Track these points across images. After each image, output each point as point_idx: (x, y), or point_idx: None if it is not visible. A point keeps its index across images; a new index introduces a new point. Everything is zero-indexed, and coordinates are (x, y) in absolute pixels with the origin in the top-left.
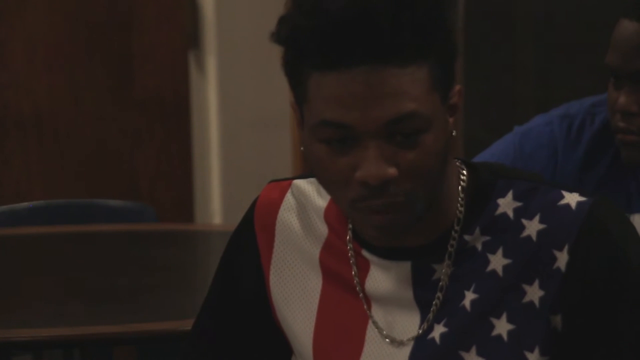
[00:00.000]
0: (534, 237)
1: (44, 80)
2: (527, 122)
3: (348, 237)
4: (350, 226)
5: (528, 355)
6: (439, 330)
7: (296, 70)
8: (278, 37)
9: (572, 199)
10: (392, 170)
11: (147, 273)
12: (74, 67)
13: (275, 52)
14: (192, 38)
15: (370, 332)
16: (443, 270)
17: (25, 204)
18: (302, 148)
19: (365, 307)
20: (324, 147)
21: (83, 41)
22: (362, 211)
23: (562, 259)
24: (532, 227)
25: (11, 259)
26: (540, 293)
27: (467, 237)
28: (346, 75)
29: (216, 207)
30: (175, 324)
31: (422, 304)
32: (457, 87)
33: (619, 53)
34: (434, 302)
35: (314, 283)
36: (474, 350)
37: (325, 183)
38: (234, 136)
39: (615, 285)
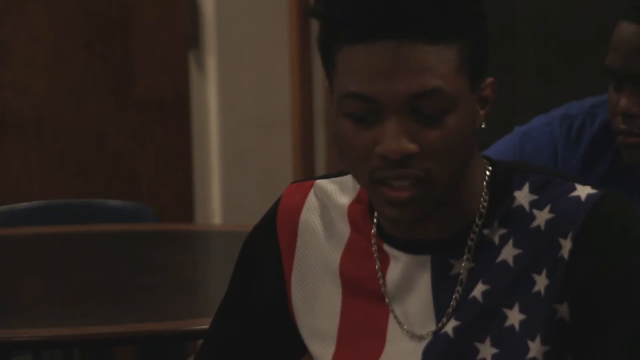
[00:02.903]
0: (542, 227)
1: (44, 80)
2: (527, 122)
3: (373, 232)
4: (374, 221)
5: (530, 344)
6: (451, 324)
7: (327, 45)
8: (314, 11)
9: (583, 191)
10: (412, 146)
11: (147, 273)
12: (74, 67)
13: (276, 52)
14: (192, 38)
15: (392, 327)
16: (463, 265)
17: (25, 204)
18: (332, 132)
19: (386, 302)
20: (348, 122)
21: (83, 41)
22: (380, 184)
23: (566, 246)
24: (542, 216)
25: (11, 259)
26: (546, 282)
27: (486, 231)
28: (374, 48)
29: (216, 207)
30: (175, 324)
31: (441, 298)
32: (490, 79)
33: (619, 55)
34: (453, 297)
35: (335, 292)
36: (488, 341)
37: (348, 158)
38: (234, 136)
39: (620, 275)
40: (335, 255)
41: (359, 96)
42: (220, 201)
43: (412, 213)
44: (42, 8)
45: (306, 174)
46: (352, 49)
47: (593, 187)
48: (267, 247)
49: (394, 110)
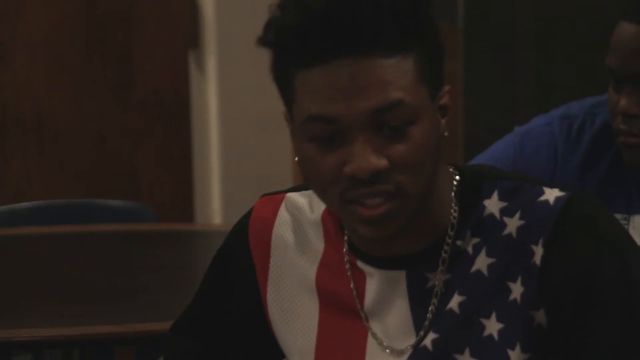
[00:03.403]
0: (514, 234)
1: (44, 80)
2: (527, 122)
3: (345, 249)
4: (345, 238)
5: (510, 353)
6: (430, 337)
7: (283, 72)
8: (264, 41)
9: (551, 194)
10: (382, 162)
11: (147, 273)
12: (74, 67)
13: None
14: (192, 38)
15: (371, 345)
16: (437, 277)
17: (25, 204)
18: (296, 159)
19: (364, 320)
20: (313, 146)
21: (83, 41)
22: (352, 203)
23: (538, 253)
24: (513, 224)
25: (11, 259)
26: (522, 289)
27: (459, 242)
28: (331, 68)
29: (216, 207)
30: None
31: (418, 312)
32: (447, 87)
33: (619, 55)
34: (429, 309)
35: (312, 307)
36: (467, 352)
37: (316, 183)
38: (234, 136)
39: (593, 277)
40: (310, 270)
41: (321, 118)
42: (220, 201)
43: (387, 229)
44: (41, 8)
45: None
46: (309, 73)
47: (561, 189)
48: (240, 263)
49: (359, 128)
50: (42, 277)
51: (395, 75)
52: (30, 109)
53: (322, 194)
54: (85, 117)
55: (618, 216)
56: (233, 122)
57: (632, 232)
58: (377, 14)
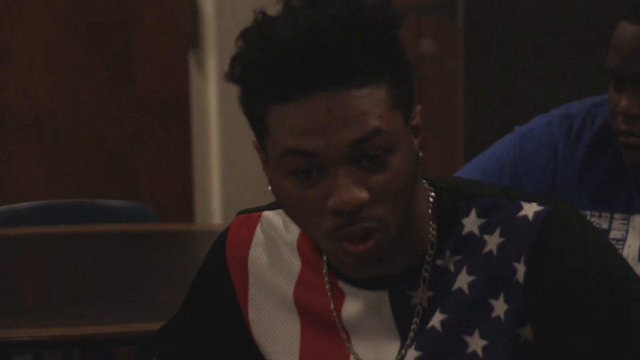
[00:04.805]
0: (494, 252)
1: (44, 80)
2: (527, 122)
3: (324, 270)
4: (324, 258)
5: None
6: (412, 355)
7: (254, 107)
8: (232, 76)
9: (529, 209)
10: (364, 194)
11: (147, 273)
12: (74, 67)
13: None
14: (192, 38)
15: None
16: (419, 295)
17: (25, 204)
18: (269, 188)
19: (345, 341)
20: (291, 181)
21: (83, 41)
22: (340, 240)
23: (520, 270)
24: (493, 241)
25: (11, 259)
26: (505, 307)
27: (439, 262)
28: (305, 103)
29: (216, 207)
30: None
31: (402, 331)
32: (418, 108)
33: (619, 55)
34: (411, 327)
35: (293, 325)
36: None
37: (298, 218)
38: (234, 136)
39: (576, 290)
40: (288, 288)
41: (298, 152)
42: (220, 201)
43: (373, 259)
44: (42, 8)
45: None
46: (282, 108)
47: (539, 203)
48: (220, 286)
49: (338, 161)
50: (42, 277)
51: (371, 104)
52: (30, 109)
53: (307, 227)
54: (85, 117)
55: (618, 216)
56: (233, 122)
57: (631, 232)
58: (348, 46)
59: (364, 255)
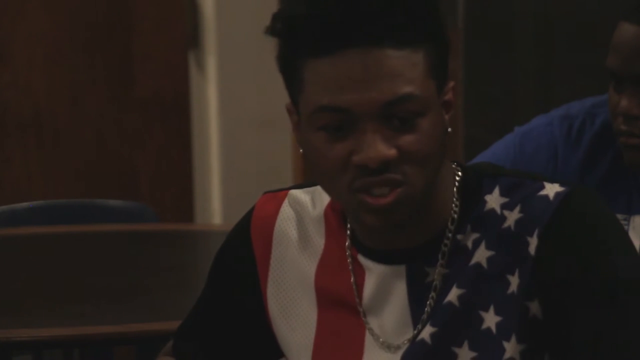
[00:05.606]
0: (512, 227)
1: (44, 80)
2: (527, 122)
3: (347, 243)
4: (348, 232)
5: (505, 345)
6: (428, 331)
7: (292, 62)
8: (273, 30)
9: (551, 189)
10: (391, 152)
11: (147, 273)
12: (74, 67)
13: (276, 52)
14: (192, 38)
15: (369, 341)
16: (437, 271)
17: (25, 204)
18: (300, 150)
19: (362, 315)
20: (321, 135)
21: (83, 41)
22: (361, 192)
23: (532, 243)
24: (512, 217)
25: (11, 259)
26: (518, 281)
27: (459, 237)
28: (342, 58)
29: (216, 207)
30: (175, 324)
31: (416, 306)
32: (452, 83)
33: (619, 56)
34: (428, 303)
35: (310, 303)
36: (466, 345)
37: (323, 173)
38: (234, 136)
39: (581, 273)
40: (310, 269)
41: (332, 109)
42: (220, 201)
43: (393, 219)
44: (41, 8)
45: (306, 174)
46: (319, 63)
47: (562, 184)
48: (242, 258)
49: (369, 118)
50: (42, 277)
51: (406, 67)
52: (30, 109)
53: (329, 183)
54: (85, 117)
55: (618, 216)
56: (233, 122)
57: (632, 232)
58: (389, 5)
59: (385, 209)
